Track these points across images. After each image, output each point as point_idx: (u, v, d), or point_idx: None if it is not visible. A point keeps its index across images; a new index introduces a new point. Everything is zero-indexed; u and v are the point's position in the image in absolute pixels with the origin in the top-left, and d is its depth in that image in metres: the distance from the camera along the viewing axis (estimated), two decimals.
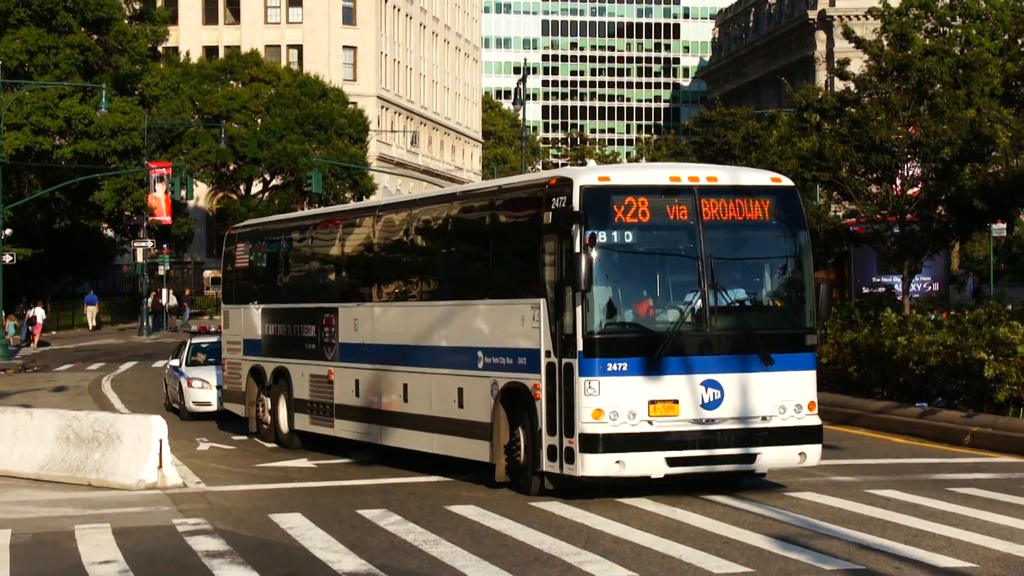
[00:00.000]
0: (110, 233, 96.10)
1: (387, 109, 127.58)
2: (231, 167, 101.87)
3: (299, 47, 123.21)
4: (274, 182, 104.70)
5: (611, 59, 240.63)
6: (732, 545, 15.95)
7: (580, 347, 18.58)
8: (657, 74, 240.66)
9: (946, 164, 35.50)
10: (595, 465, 18.52)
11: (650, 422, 18.67)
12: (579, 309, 18.58)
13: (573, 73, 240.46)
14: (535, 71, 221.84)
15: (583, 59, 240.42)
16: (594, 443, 18.47)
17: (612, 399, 18.52)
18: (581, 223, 18.61)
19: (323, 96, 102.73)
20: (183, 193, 79.67)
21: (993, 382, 25.36)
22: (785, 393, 19.30)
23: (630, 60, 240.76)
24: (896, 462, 23.42)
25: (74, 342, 73.02)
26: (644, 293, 19.38)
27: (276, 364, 27.82)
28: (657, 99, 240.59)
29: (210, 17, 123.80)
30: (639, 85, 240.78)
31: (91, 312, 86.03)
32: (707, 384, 18.89)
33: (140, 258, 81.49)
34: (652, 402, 18.69)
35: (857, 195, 37.60)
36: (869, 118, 36.05)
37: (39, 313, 71.49)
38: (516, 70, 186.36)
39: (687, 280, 19.21)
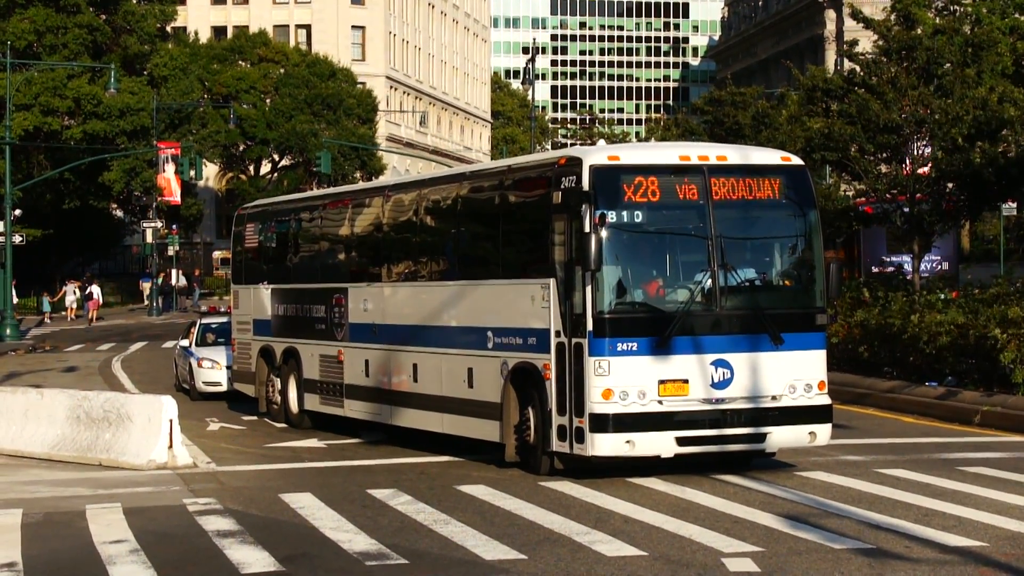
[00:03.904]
0: (119, 214, 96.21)
1: (396, 89, 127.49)
2: (240, 147, 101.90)
3: (308, 27, 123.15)
4: (283, 162, 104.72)
5: (620, 38, 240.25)
6: (742, 525, 15.96)
7: (590, 327, 18.57)
8: (666, 53, 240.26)
9: (956, 143, 35.41)
10: (605, 445, 18.53)
11: (660, 402, 18.67)
12: (589, 289, 18.58)
13: (582, 53, 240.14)
14: (544, 51, 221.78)
15: (592, 39, 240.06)
16: (604, 423, 18.47)
17: (622, 379, 18.51)
18: (591, 203, 18.59)
19: (332, 76, 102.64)
20: (192, 173, 79.66)
21: (1009, 364, 25.25)
22: (795, 372, 19.29)
23: (639, 39, 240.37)
24: (906, 441, 23.40)
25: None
26: (654, 273, 19.37)
27: (286, 344, 27.84)
28: (666, 78, 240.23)
29: None
30: (648, 64, 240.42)
31: (147, 289, 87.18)
32: (717, 364, 18.88)
33: (149, 238, 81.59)
34: (662, 382, 18.69)
35: (866, 175, 37.54)
36: (874, 100, 35.92)
37: (95, 290, 74.10)
38: (525, 50, 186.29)
39: (697, 259, 19.18)
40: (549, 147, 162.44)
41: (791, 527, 15.69)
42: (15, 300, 65.90)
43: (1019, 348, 24.89)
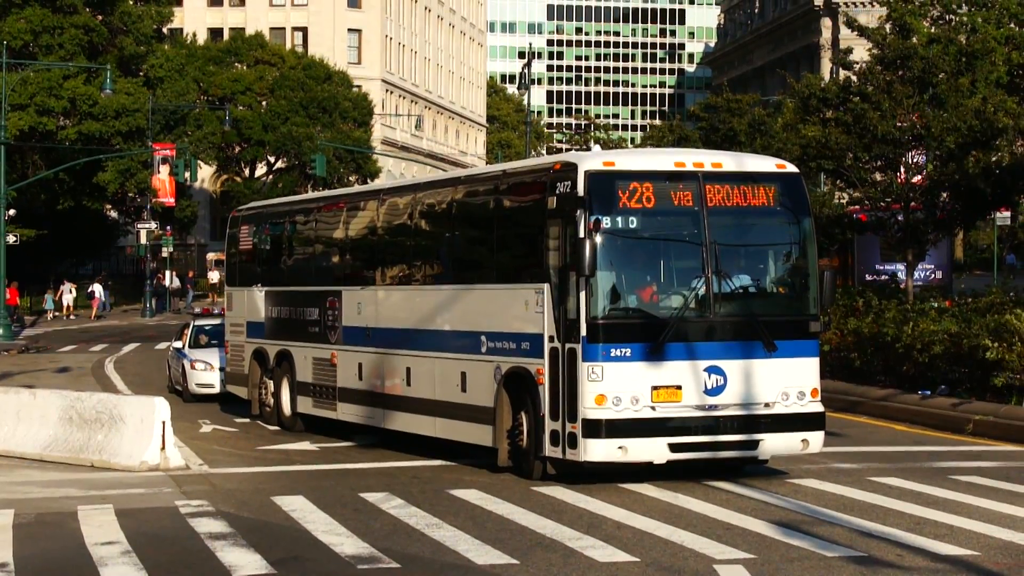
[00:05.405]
0: (114, 214, 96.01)
1: (391, 93, 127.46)
2: (235, 149, 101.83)
3: (304, 30, 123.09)
4: (278, 165, 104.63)
5: (616, 44, 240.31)
6: (734, 531, 15.96)
7: (583, 332, 18.58)
8: (662, 60, 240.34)
9: (950, 152, 35.46)
10: (598, 450, 18.53)
11: (653, 408, 18.68)
12: (583, 294, 18.58)
13: (578, 58, 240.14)
14: (540, 56, 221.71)
15: (588, 44, 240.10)
16: (597, 428, 18.47)
17: (615, 384, 18.52)
18: (585, 208, 18.61)
19: (328, 79, 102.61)
20: (187, 175, 79.53)
21: (993, 367, 25.33)
22: (788, 380, 19.29)
23: (635, 45, 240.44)
24: (898, 450, 23.43)
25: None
26: (648, 279, 19.37)
27: (279, 347, 27.83)
28: (662, 85, 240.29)
29: None
30: (644, 71, 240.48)
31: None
32: (710, 370, 18.88)
33: (143, 240, 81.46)
34: (655, 388, 18.69)
35: (861, 183, 37.58)
36: (871, 110, 35.95)
37: (98, 289, 76.37)
38: (521, 54, 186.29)
39: (691, 266, 19.20)
40: (544, 152, 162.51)
41: (783, 534, 15.70)
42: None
43: (1008, 353, 24.91)
